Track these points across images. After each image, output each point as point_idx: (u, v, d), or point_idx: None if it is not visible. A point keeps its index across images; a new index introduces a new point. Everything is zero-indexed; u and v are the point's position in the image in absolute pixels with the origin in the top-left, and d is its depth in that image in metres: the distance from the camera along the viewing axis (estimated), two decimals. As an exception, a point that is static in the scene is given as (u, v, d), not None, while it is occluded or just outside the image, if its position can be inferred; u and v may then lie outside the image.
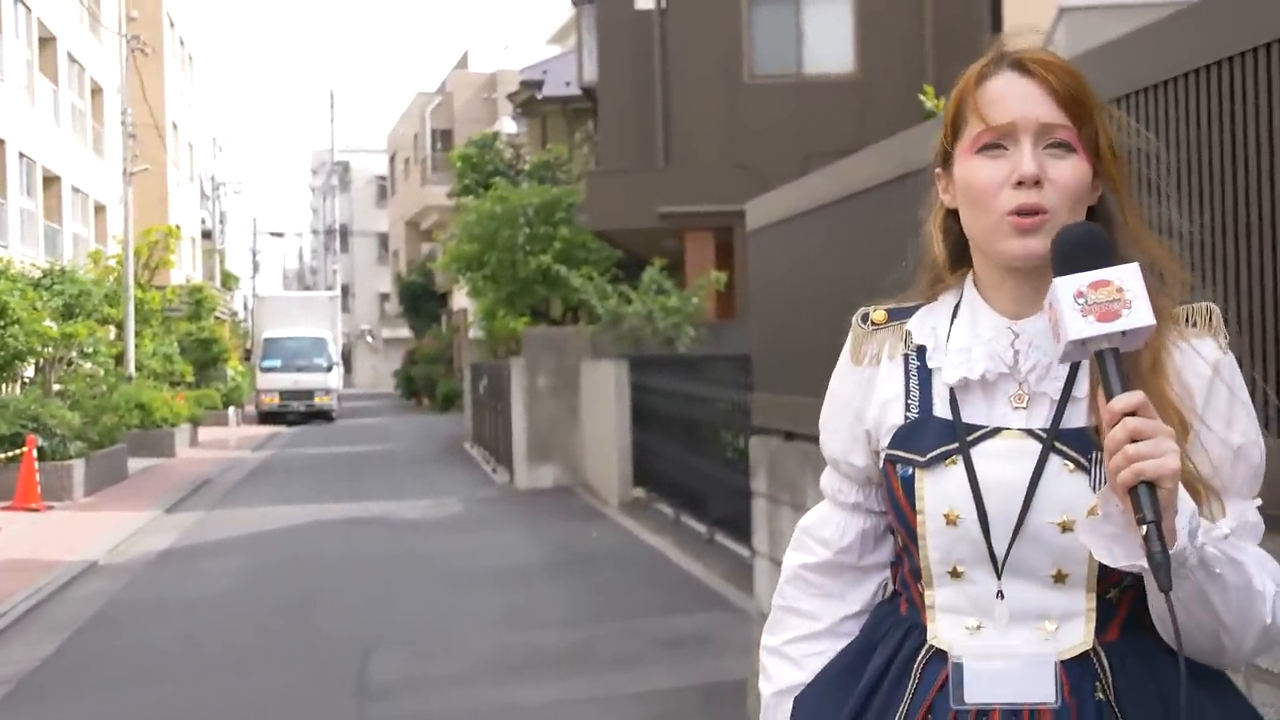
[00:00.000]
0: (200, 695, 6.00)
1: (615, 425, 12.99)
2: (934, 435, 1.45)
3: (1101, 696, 1.39)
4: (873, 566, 1.59)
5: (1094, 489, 1.36)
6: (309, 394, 32.72)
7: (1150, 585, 1.31)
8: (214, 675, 6.39)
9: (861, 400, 1.54)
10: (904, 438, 1.48)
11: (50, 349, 16.27)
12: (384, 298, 60.72)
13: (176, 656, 6.83)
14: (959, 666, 1.42)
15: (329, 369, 33.58)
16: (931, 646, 1.45)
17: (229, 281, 47.32)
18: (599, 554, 10.12)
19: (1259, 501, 1.43)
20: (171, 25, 41.94)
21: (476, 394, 21.29)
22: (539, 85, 24.95)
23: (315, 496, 14.90)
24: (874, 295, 1.61)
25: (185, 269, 40.74)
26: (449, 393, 33.88)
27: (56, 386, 16.72)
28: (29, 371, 16.51)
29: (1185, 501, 1.30)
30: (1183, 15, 2.59)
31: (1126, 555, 1.29)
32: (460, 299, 31.32)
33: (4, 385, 15.22)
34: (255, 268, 71.96)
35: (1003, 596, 1.41)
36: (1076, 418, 1.40)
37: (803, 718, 1.56)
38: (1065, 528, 1.37)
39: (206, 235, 48.16)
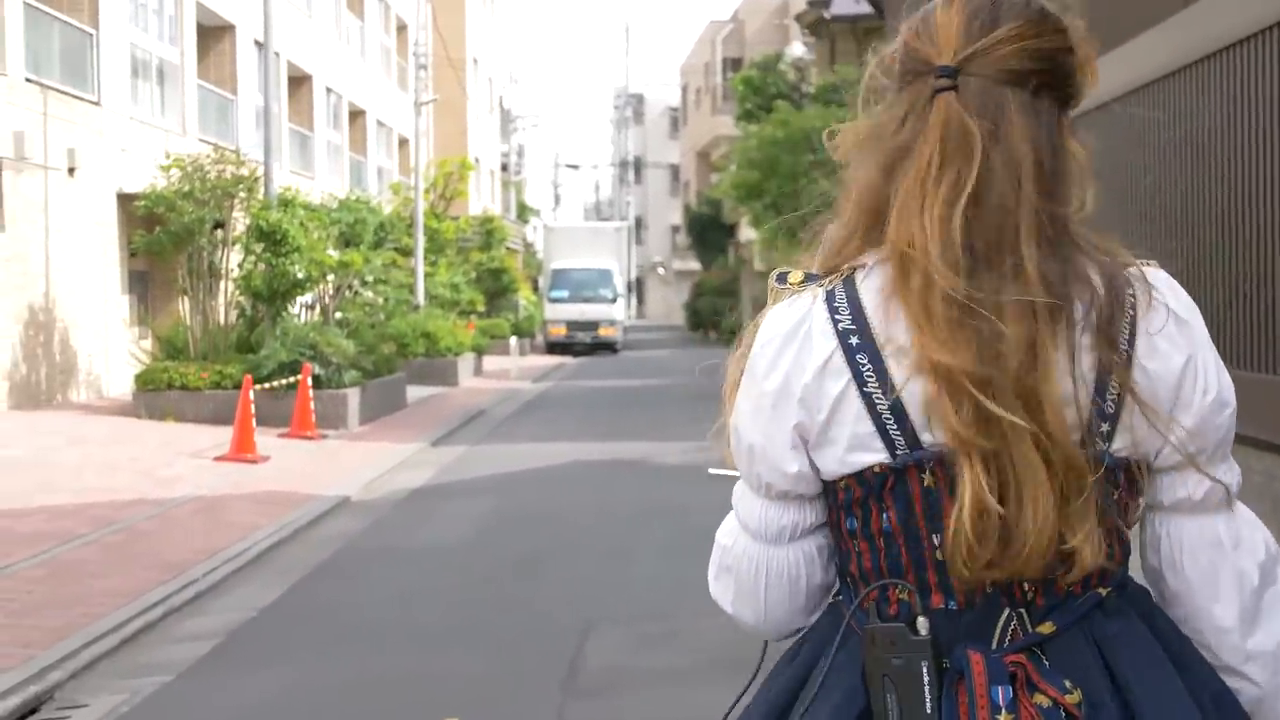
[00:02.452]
0: (395, 669, 5.38)
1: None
2: None
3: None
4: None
5: None
6: (594, 325, 32.74)
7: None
8: (417, 645, 5.78)
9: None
10: None
11: (332, 277, 16.44)
12: (675, 229, 60.61)
13: (387, 620, 6.28)
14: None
15: (614, 300, 33.48)
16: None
17: (524, 213, 48.27)
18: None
19: None
20: (474, -39, 42.63)
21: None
22: (827, 3, 23.45)
23: (580, 434, 14.42)
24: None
25: (484, 200, 41.75)
26: (734, 326, 33.12)
27: (337, 315, 16.93)
28: (309, 298, 16.78)
29: None
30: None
31: None
32: (747, 230, 30.39)
33: (286, 312, 15.44)
34: (556, 200, 73.75)
35: None
36: None
37: None
38: None
39: (506, 168, 49.24)
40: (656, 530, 8.60)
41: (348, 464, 11.94)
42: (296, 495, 10.05)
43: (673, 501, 9.74)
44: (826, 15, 23.28)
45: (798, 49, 28.76)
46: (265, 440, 12.75)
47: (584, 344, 32.82)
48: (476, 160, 39.39)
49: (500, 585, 7.05)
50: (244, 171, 15.30)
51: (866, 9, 21.11)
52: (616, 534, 8.51)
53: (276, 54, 23.27)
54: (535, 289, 38.36)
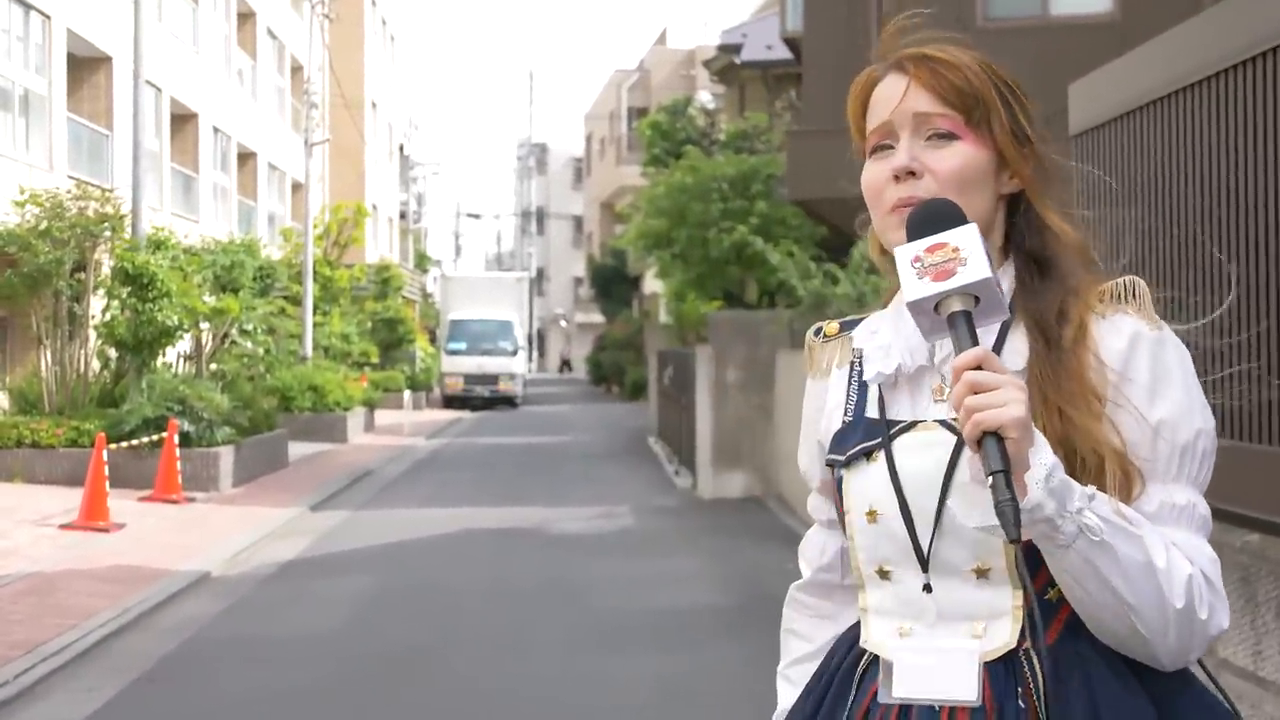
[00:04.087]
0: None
1: (816, 430, 10.90)
2: (860, 434, 1.45)
3: (1023, 704, 1.34)
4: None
5: None
6: (493, 378, 31.60)
7: (1050, 560, 1.30)
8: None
9: (817, 412, 1.55)
10: (837, 441, 1.48)
11: (207, 325, 15.18)
12: (578, 281, 59.81)
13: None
14: (889, 666, 1.40)
15: (514, 353, 32.39)
16: (867, 652, 1.44)
17: (423, 262, 47.02)
18: (793, 595, 8.09)
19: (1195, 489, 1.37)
20: (373, 4, 41.64)
21: (661, 384, 19.49)
22: (737, 49, 22.92)
23: (473, 498, 13.33)
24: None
25: (381, 248, 40.47)
26: (638, 380, 32.27)
27: (212, 366, 15.65)
28: (184, 347, 15.49)
29: (1042, 456, 1.25)
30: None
31: (983, 516, 1.26)
32: (652, 282, 29.67)
33: (153, 363, 14.14)
34: (457, 250, 72.55)
35: (929, 590, 1.38)
36: None
37: None
38: None
39: (405, 216, 48.03)
40: (557, 614, 7.57)
41: (213, 532, 10.72)
42: (147, 570, 8.84)
43: (574, 578, 8.72)
44: (737, 61, 22.73)
45: (705, 98, 28.25)
46: (122, 505, 11.46)
47: (482, 398, 31.64)
48: (374, 207, 38.19)
49: (372, 689, 5.97)
50: (109, 209, 14.02)
51: (778, 55, 20.61)
52: (512, 620, 7.46)
53: (157, 88, 22.05)
54: (433, 340, 37.12)
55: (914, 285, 1.29)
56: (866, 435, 1.44)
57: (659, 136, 22.00)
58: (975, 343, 1.27)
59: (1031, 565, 1.31)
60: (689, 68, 38.09)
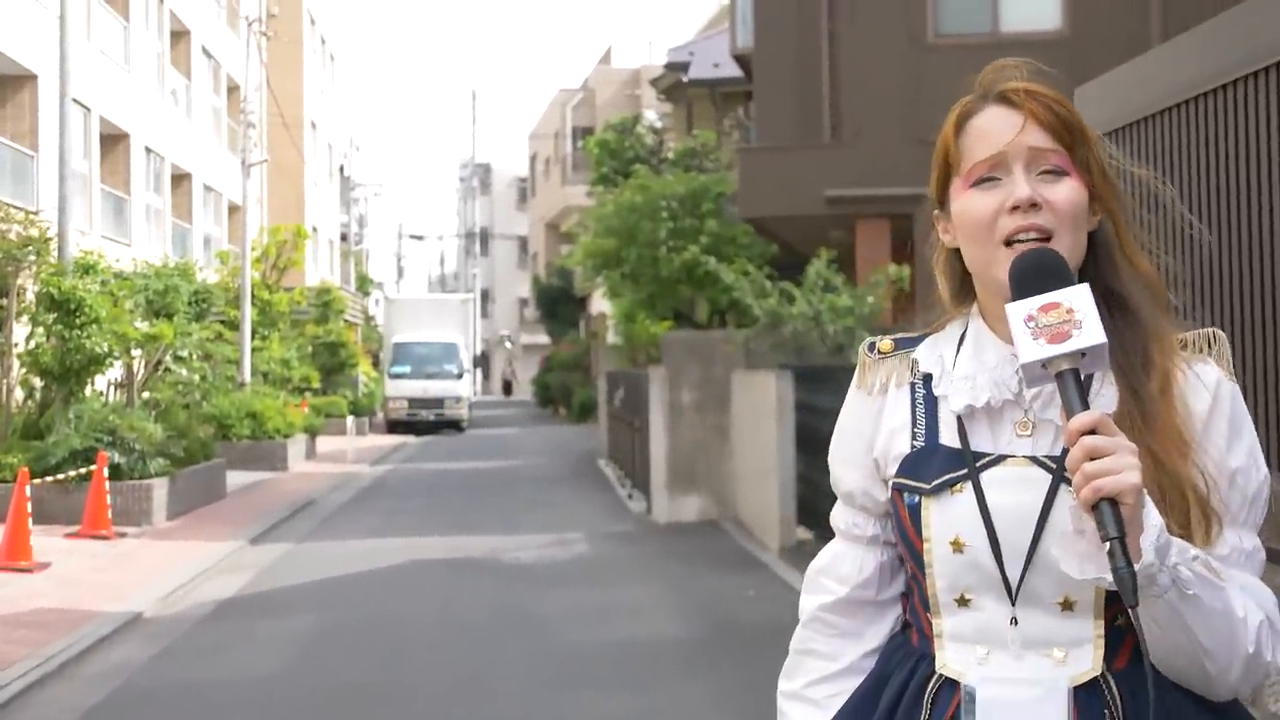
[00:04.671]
0: None
1: (775, 450, 10.60)
2: (940, 463, 1.46)
3: None
4: (889, 601, 1.58)
5: None
6: (439, 402, 31.01)
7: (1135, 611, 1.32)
8: None
9: (872, 429, 1.54)
10: (911, 466, 1.48)
11: (139, 352, 14.60)
12: (523, 303, 59.32)
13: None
14: (970, 694, 1.42)
15: (460, 376, 31.83)
16: (941, 675, 1.45)
17: (365, 284, 46.33)
18: (757, 625, 7.73)
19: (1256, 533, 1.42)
20: (313, 23, 41.06)
21: (612, 406, 19.12)
22: (685, 67, 22.67)
23: (420, 527, 12.86)
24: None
25: (322, 271, 39.76)
26: (585, 402, 31.86)
27: (145, 395, 15.06)
28: (116, 375, 14.89)
29: (1152, 518, 1.30)
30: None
31: (1097, 570, 1.29)
32: (599, 303, 29.34)
33: (81, 393, 13.55)
34: (400, 272, 71.76)
35: (1017, 623, 1.41)
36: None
37: None
38: None
39: (346, 238, 47.33)
40: (512, 650, 7.17)
41: (146, 570, 10.18)
42: (74, 613, 8.31)
43: (529, 610, 8.32)
44: (685, 79, 22.49)
45: (651, 117, 28.02)
46: (47, 542, 10.89)
47: (428, 422, 31.03)
48: (314, 229, 37.53)
49: (315, 741, 5.54)
50: (34, 232, 13.43)
51: (725, 74, 20.40)
52: (466, 656, 7.05)
53: (86, 107, 21.40)
54: (376, 364, 36.49)
55: (1029, 346, 1.31)
56: (947, 464, 1.46)
57: (607, 155, 21.68)
58: (1086, 404, 1.30)
59: (1109, 593, 1.37)
60: (634, 87, 37.91)
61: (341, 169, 47.42)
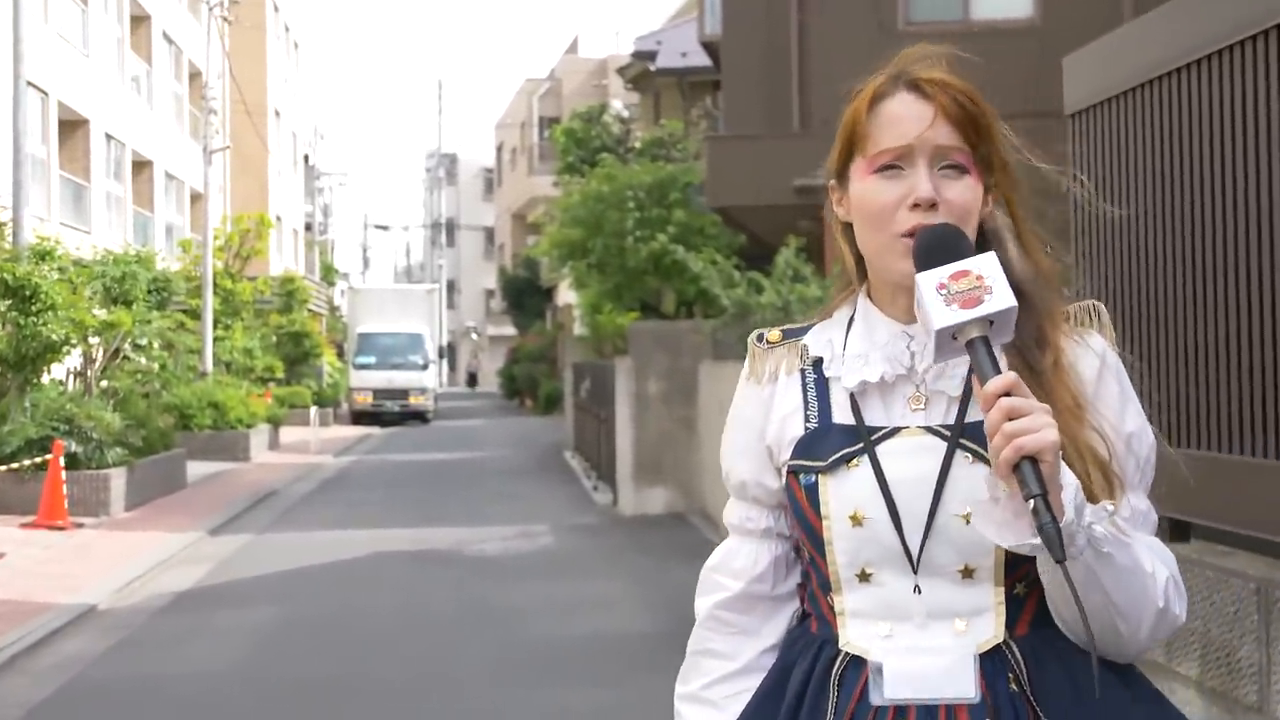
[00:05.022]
0: None
1: (742, 443, 10.50)
2: (835, 440, 1.47)
3: (1015, 688, 1.40)
4: (785, 596, 1.58)
5: None
6: (404, 393, 30.76)
7: (1044, 568, 1.36)
8: None
9: (763, 418, 1.55)
10: (805, 447, 1.49)
11: (97, 340, 14.34)
12: (490, 294, 59.05)
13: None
14: (878, 668, 1.42)
15: (425, 367, 31.59)
16: (846, 654, 1.45)
17: (330, 274, 45.93)
18: (726, 618, 7.65)
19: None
20: (276, 9, 40.60)
21: (578, 397, 19.00)
22: (652, 56, 22.53)
23: (384, 519, 12.71)
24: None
25: (286, 261, 39.34)
26: (551, 393, 31.73)
27: (104, 384, 14.80)
28: (75, 363, 14.62)
29: (1068, 477, 1.32)
30: None
31: (1017, 536, 1.31)
32: (566, 294, 29.21)
33: (38, 380, 13.28)
34: (365, 262, 71.23)
35: (920, 592, 1.42)
36: (976, 412, 1.39)
37: None
38: (969, 520, 1.38)
39: (311, 228, 46.89)
40: (477, 644, 7.05)
41: (102, 561, 9.98)
42: (26, 605, 8.13)
43: (494, 603, 8.20)
44: (652, 68, 22.35)
45: (617, 106, 27.88)
46: (1, 533, 10.67)
47: (393, 413, 30.78)
48: (278, 218, 37.13)
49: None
50: (-12, 217, 13.15)
51: (693, 63, 20.29)
52: (430, 651, 6.92)
53: (44, 92, 21.02)
54: (340, 355, 36.19)
55: (942, 312, 1.33)
56: (843, 441, 1.47)
57: (573, 144, 21.51)
58: (998, 369, 1.32)
59: (1007, 560, 1.40)
60: (601, 77, 37.74)
61: (306, 158, 46.96)
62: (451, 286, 62.73)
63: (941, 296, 1.33)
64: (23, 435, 12.19)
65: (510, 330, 46.82)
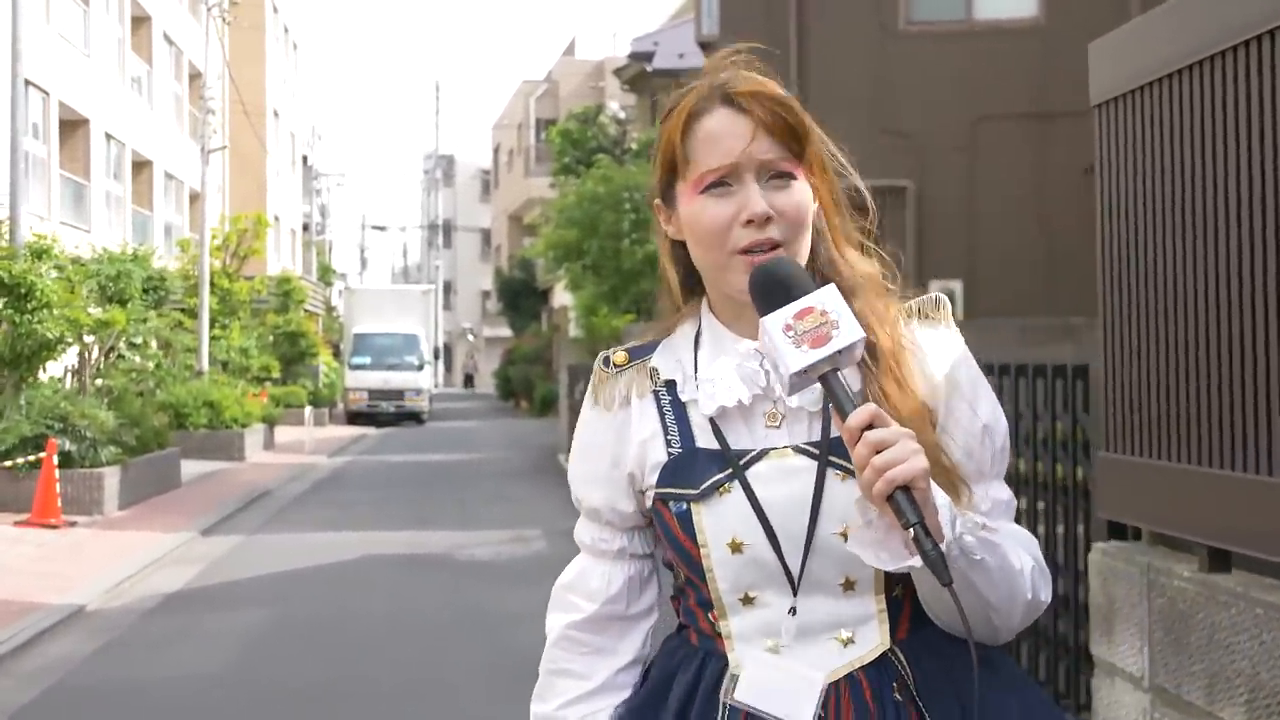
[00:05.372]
0: None
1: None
2: (702, 466, 1.45)
3: (899, 696, 1.41)
4: (640, 614, 1.57)
5: None
6: (399, 394, 30.71)
7: (919, 577, 1.37)
8: None
9: (617, 444, 1.52)
10: (671, 474, 1.47)
11: (92, 339, 14.29)
12: (486, 295, 58.99)
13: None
14: (736, 675, 1.44)
15: (421, 367, 31.53)
16: (735, 676, 1.44)
17: (327, 274, 45.86)
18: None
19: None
20: (275, 10, 40.55)
21: (573, 400, 18.95)
22: (649, 57, 22.50)
23: (376, 520, 12.66)
24: None
25: (283, 261, 39.27)
26: (547, 395, 31.67)
27: (99, 382, 14.74)
28: (70, 362, 14.57)
29: (941, 496, 1.34)
30: None
31: (893, 558, 1.33)
32: (561, 296, 29.15)
33: (34, 378, 13.24)
34: (363, 263, 71.14)
35: (794, 613, 1.42)
36: (836, 429, 1.39)
37: None
38: (846, 536, 1.38)
39: (308, 228, 46.80)
40: (470, 651, 7.00)
41: (93, 560, 9.93)
42: (14, 605, 8.07)
43: (487, 610, 8.15)
44: (649, 69, 22.31)
45: (614, 108, 27.84)
46: (-7, 532, 10.63)
47: (388, 414, 30.73)
48: (276, 218, 37.09)
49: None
50: (-19, 215, 13.11)
51: (690, 63, 20.22)
52: (421, 658, 6.87)
53: (45, 91, 20.96)
54: (337, 355, 36.13)
55: (795, 355, 1.32)
56: (710, 467, 1.44)
57: (569, 145, 21.46)
58: (853, 401, 1.32)
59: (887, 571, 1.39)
60: (598, 79, 37.70)
61: (304, 158, 46.90)
62: (448, 288, 62.70)
63: (790, 338, 1.32)
64: (17, 433, 12.14)
65: (506, 332, 46.77)
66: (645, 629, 1.57)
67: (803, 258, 1.44)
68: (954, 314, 1.54)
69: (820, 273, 1.46)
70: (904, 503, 1.27)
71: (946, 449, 1.41)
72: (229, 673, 6.51)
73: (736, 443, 1.44)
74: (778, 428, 1.44)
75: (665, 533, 1.48)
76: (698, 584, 1.46)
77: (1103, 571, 3.94)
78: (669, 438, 1.48)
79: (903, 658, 1.42)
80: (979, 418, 1.44)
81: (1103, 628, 3.95)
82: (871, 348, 1.42)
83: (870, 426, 1.28)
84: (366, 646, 7.09)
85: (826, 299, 1.34)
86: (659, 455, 1.48)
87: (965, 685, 1.38)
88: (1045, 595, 1.45)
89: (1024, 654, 4.97)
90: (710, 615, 1.46)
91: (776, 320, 1.33)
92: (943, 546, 1.29)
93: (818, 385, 1.37)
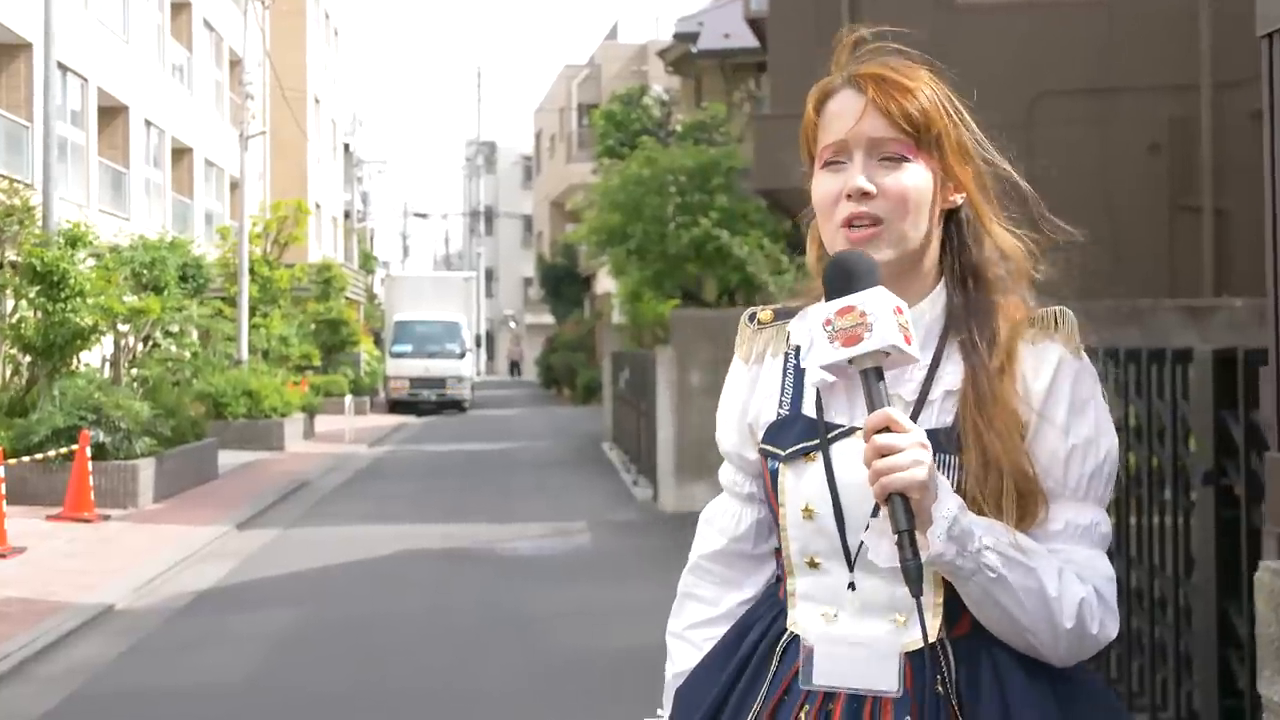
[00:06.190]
0: None
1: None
2: (798, 432, 1.53)
3: (940, 690, 1.44)
4: (765, 555, 1.66)
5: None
6: (440, 382, 30.46)
7: (955, 585, 1.43)
8: None
9: (749, 395, 1.63)
10: (774, 433, 1.56)
11: (126, 327, 14.07)
12: (528, 282, 58.75)
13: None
14: (810, 651, 1.50)
15: (462, 355, 31.27)
16: (792, 632, 1.54)
17: (368, 262, 45.77)
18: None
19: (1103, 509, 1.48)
20: (317, -1, 40.38)
21: (616, 388, 18.58)
22: (694, 38, 22.01)
23: (415, 513, 12.34)
24: None
25: (325, 248, 39.18)
26: (589, 383, 31.34)
27: (134, 372, 14.53)
28: (106, 351, 14.37)
29: (943, 510, 1.37)
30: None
31: (889, 556, 1.41)
32: (604, 282, 28.79)
33: (67, 368, 13.03)
34: (405, 251, 71.16)
35: (854, 588, 1.49)
36: (929, 419, 1.46)
37: (683, 693, 1.63)
38: None
39: (350, 215, 46.71)
40: (506, 656, 6.64)
41: (125, 556, 9.67)
42: (41, 605, 7.82)
43: (525, 610, 7.78)
44: (694, 50, 21.84)
45: (658, 90, 27.40)
46: (26, 525, 10.40)
47: (430, 402, 30.50)
48: (317, 205, 36.96)
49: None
50: (16, 201, 12.89)
51: (736, 44, 19.78)
52: (454, 663, 6.51)
53: (83, 78, 20.82)
54: (378, 343, 35.96)
55: (825, 350, 1.39)
56: (805, 434, 1.52)
57: (613, 127, 21.06)
58: (884, 401, 1.37)
59: None
60: (641, 63, 37.24)
61: (346, 145, 46.78)
62: (490, 275, 62.53)
63: (827, 332, 1.38)
64: (50, 425, 11.94)
65: (548, 319, 46.49)
66: (771, 568, 1.64)
67: (909, 241, 1.47)
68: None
69: (963, 259, 1.51)
70: (898, 509, 1.33)
71: (1033, 461, 1.44)
72: (254, 680, 6.18)
73: (835, 416, 1.50)
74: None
75: (761, 486, 1.60)
76: (780, 540, 1.55)
77: (1275, 594, 3.43)
78: (783, 399, 1.57)
79: (953, 655, 1.45)
80: (1069, 438, 1.45)
81: (1275, 664, 3.43)
82: (992, 340, 1.46)
83: (886, 430, 1.33)
84: (397, 651, 6.74)
85: (872, 300, 1.36)
86: (770, 414, 1.57)
87: (1008, 685, 1.42)
88: (1099, 630, 1.44)
89: (1169, 691, 4.39)
90: (786, 574, 1.55)
91: (822, 312, 1.40)
92: (927, 558, 1.34)
93: (919, 376, 1.44)
